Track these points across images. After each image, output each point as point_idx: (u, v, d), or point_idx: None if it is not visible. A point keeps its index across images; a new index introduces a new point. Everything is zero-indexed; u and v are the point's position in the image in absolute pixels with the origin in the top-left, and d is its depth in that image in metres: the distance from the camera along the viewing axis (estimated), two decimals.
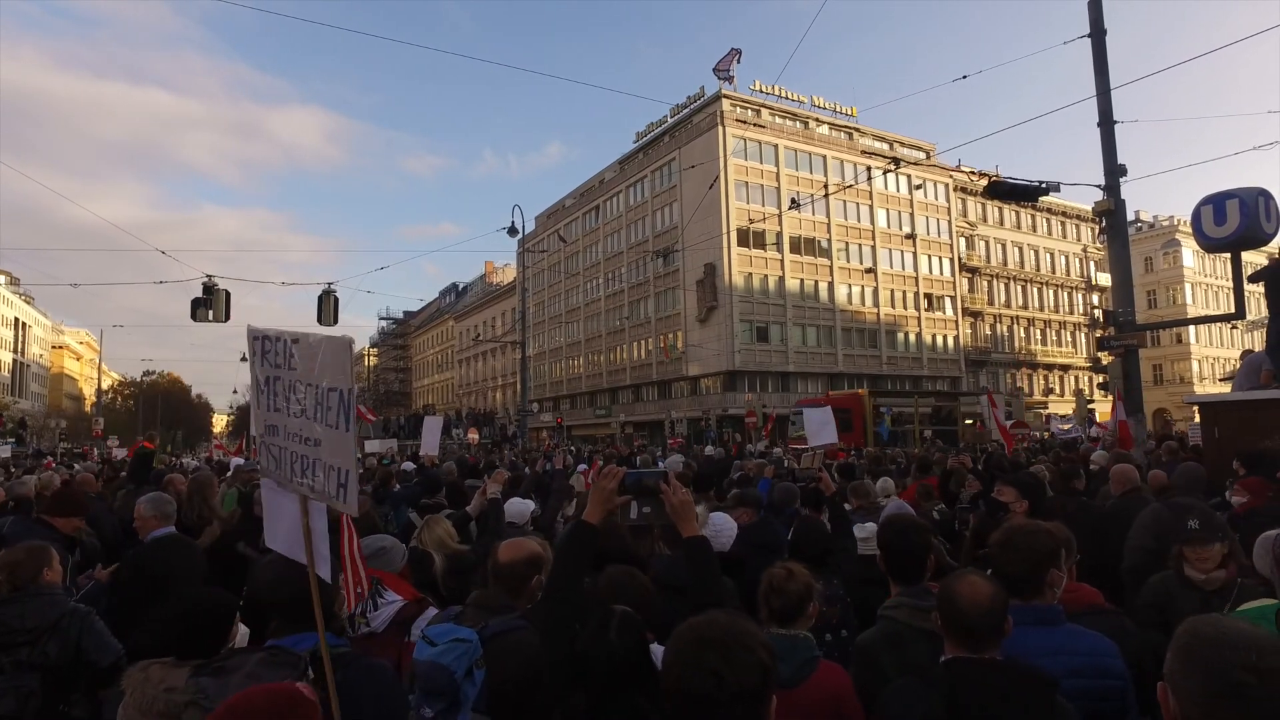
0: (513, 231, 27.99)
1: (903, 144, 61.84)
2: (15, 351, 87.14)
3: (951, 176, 59.95)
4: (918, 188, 58.58)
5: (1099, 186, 12.43)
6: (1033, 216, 67.85)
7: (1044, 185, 13.25)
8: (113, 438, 40.96)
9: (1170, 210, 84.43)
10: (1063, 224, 70.05)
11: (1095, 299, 67.30)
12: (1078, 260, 70.63)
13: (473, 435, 37.99)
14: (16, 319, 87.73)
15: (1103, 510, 5.91)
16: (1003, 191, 13.56)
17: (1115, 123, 12.15)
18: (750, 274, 51.65)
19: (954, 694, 2.01)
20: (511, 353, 61.85)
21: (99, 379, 66.35)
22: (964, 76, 45.54)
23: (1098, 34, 12.26)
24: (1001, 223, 66.33)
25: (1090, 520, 5.36)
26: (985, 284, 64.26)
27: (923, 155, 59.10)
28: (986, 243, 64.87)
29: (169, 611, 1.95)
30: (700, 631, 1.61)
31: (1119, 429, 12.04)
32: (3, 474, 13.68)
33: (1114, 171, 12.17)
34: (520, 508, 5.68)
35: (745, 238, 49.65)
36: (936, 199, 61.35)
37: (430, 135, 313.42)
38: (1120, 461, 6.82)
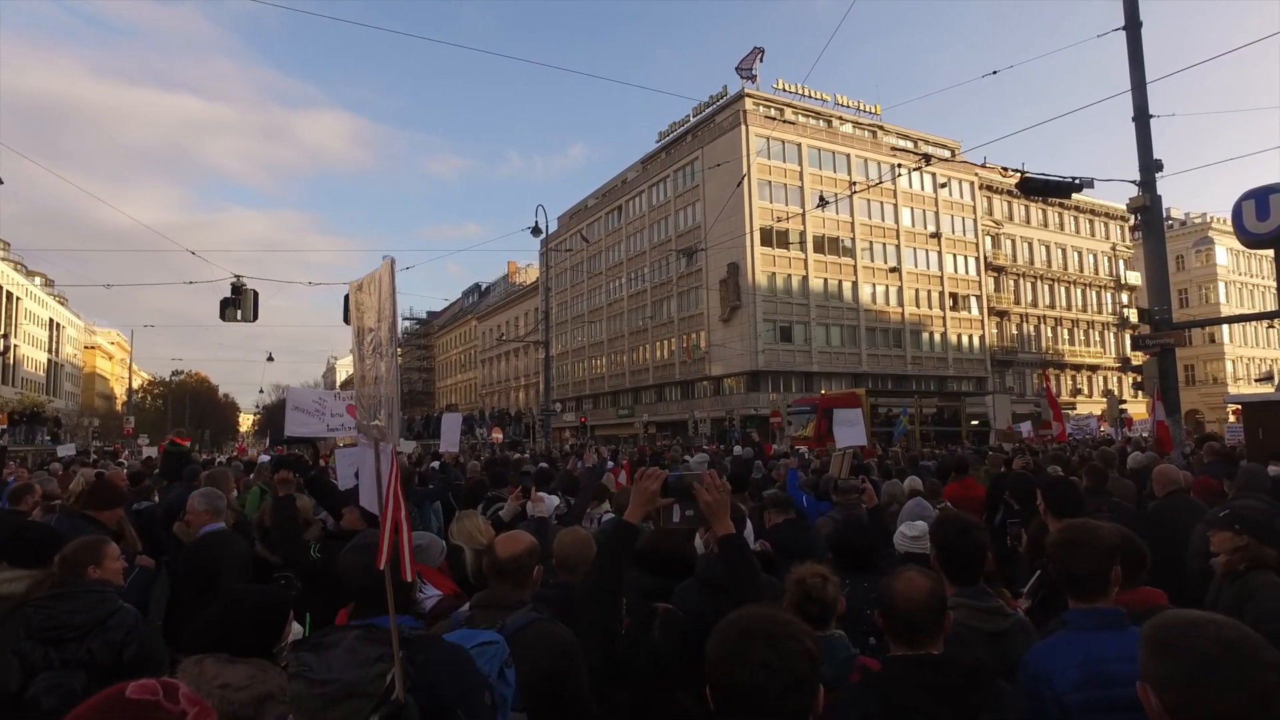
0: (536, 231, 27.99)
1: (928, 142, 61.11)
2: (50, 352, 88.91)
3: (977, 175, 59.27)
4: (943, 186, 57.98)
5: (1133, 182, 12.19)
6: (1059, 215, 66.92)
7: (1077, 181, 13.03)
8: (143, 436, 41.69)
9: (1201, 207, 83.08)
10: (1090, 222, 69.01)
11: (1124, 298, 66.25)
12: (1106, 259, 69.55)
13: (496, 434, 38.07)
14: (51, 320, 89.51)
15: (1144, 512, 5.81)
16: (1035, 187, 13.35)
17: (1151, 117, 11.91)
18: (774, 273, 51.41)
19: (890, 694, 2.00)
20: (534, 352, 62.00)
21: (129, 378, 67.41)
22: (994, 72, 44.88)
23: (1133, 26, 12.03)
24: (1028, 221, 65.48)
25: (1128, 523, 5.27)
26: (1011, 283, 63.46)
27: (948, 154, 58.49)
28: (1012, 241, 64.06)
29: (219, 610, 1.94)
30: (744, 625, 1.59)
31: (1157, 430, 11.80)
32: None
33: (1149, 167, 11.94)
34: (546, 503, 5.82)
35: (769, 237, 49.45)
36: (962, 197, 60.71)
37: (453, 137, 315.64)
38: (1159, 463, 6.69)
